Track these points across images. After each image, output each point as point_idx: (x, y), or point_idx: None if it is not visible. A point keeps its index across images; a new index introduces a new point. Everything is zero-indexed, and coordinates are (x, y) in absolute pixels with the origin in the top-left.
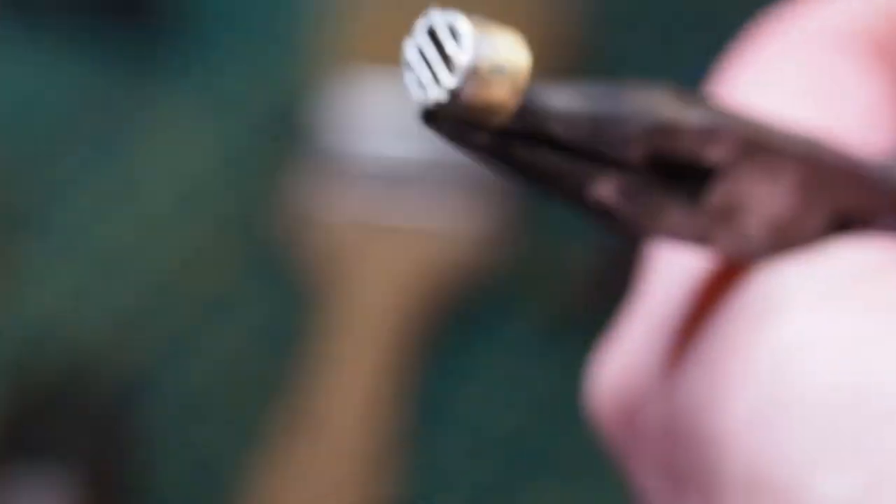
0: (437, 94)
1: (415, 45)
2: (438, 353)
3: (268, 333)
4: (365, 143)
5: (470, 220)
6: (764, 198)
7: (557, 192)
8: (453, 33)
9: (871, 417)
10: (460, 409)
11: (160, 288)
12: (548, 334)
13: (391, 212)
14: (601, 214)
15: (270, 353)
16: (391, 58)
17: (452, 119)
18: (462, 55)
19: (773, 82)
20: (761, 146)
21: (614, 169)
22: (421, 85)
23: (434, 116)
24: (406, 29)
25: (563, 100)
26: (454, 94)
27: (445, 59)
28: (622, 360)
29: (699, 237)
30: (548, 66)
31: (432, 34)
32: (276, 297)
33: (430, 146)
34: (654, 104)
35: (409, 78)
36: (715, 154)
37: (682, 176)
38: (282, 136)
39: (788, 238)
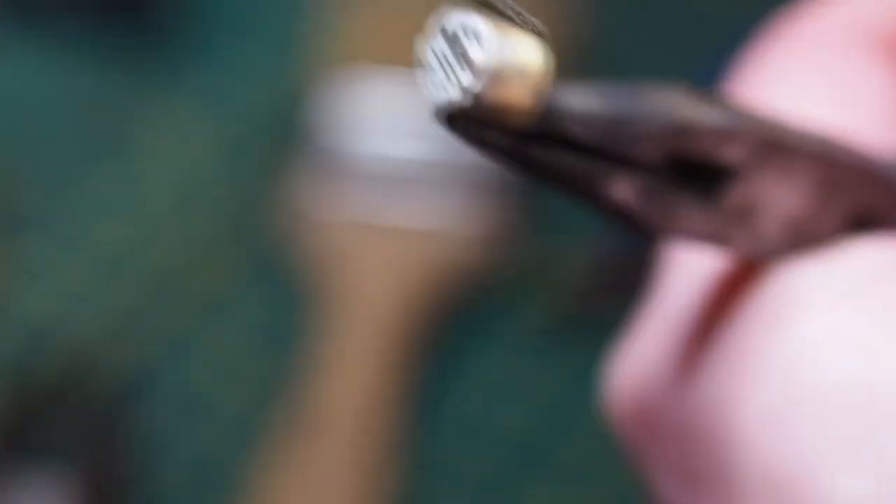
0: (456, 96)
1: (433, 46)
2: (438, 352)
3: (268, 333)
4: (365, 143)
5: (470, 220)
6: (780, 198)
7: (575, 193)
8: (473, 34)
9: (888, 416)
10: (460, 408)
11: (160, 288)
12: (548, 334)
13: (391, 212)
14: (618, 215)
15: (270, 353)
16: (391, 58)
17: (471, 121)
18: (483, 57)
19: (789, 81)
20: (778, 146)
21: (631, 169)
22: (439, 86)
23: (453, 118)
24: (407, 29)
25: (581, 100)
26: (474, 96)
27: (465, 60)
28: (639, 359)
29: (716, 237)
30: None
31: (451, 35)
32: (276, 296)
33: (430, 146)
34: (672, 104)
35: (427, 79)
36: (732, 154)
37: (698, 176)
38: (282, 136)
39: (805, 238)
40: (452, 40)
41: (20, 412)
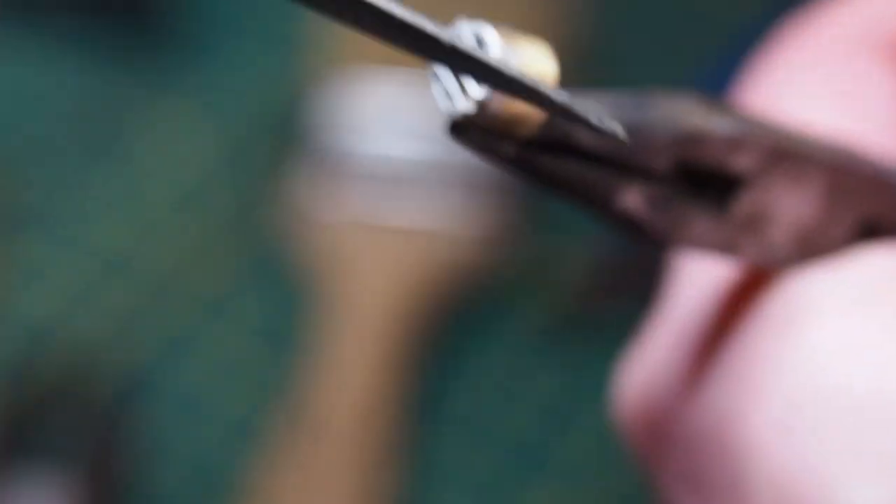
0: (464, 106)
1: None
2: (438, 352)
3: (267, 333)
4: (365, 143)
5: (470, 220)
6: (790, 206)
7: (583, 203)
8: (480, 43)
9: None
10: (460, 408)
11: (160, 288)
12: (548, 334)
13: (391, 212)
14: (627, 224)
15: (270, 353)
16: (391, 58)
17: (479, 130)
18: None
19: (796, 87)
20: (788, 154)
21: (641, 178)
22: (448, 96)
23: (461, 128)
24: None
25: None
26: (482, 106)
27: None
28: (648, 368)
29: (726, 246)
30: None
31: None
32: (276, 296)
33: (430, 146)
34: (681, 113)
35: (435, 89)
36: (741, 162)
37: (708, 185)
38: (282, 136)
39: (815, 246)
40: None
41: (20, 412)
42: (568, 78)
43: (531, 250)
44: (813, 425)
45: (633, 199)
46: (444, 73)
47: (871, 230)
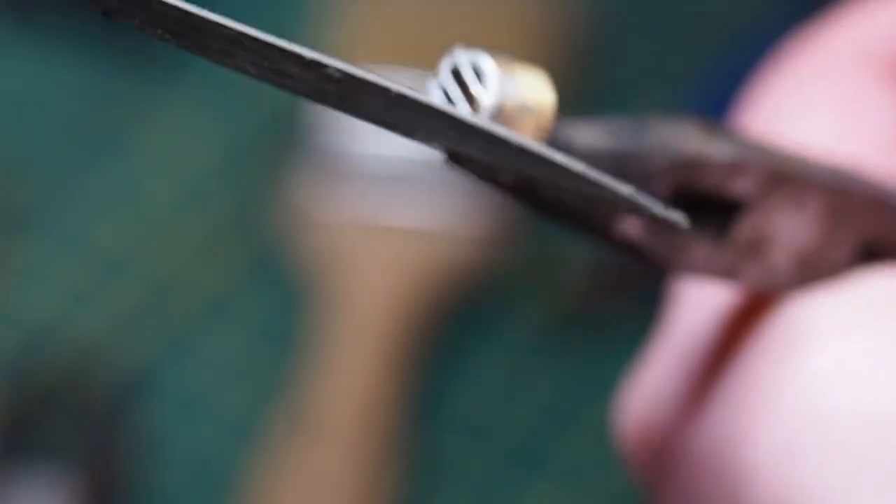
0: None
1: (438, 84)
2: (438, 352)
3: (268, 333)
4: (365, 143)
5: (470, 220)
6: (790, 229)
7: (583, 229)
8: (477, 73)
9: None
10: (460, 408)
11: (160, 288)
12: (548, 334)
13: (391, 212)
14: (627, 250)
15: (270, 353)
16: (391, 58)
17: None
18: (487, 95)
19: (798, 107)
20: (787, 177)
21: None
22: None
23: (459, 156)
24: (407, 29)
25: (588, 136)
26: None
27: (470, 99)
28: (649, 392)
29: (726, 271)
30: (544, 68)
31: (456, 73)
32: (276, 296)
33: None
34: (678, 138)
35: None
36: (740, 187)
37: (707, 210)
38: (282, 135)
39: (815, 269)
40: (458, 78)
41: (20, 412)
42: (567, 82)
43: (531, 250)
44: (814, 448)
45: (632, 225)
46: (441, 102)
47: (872, 252)
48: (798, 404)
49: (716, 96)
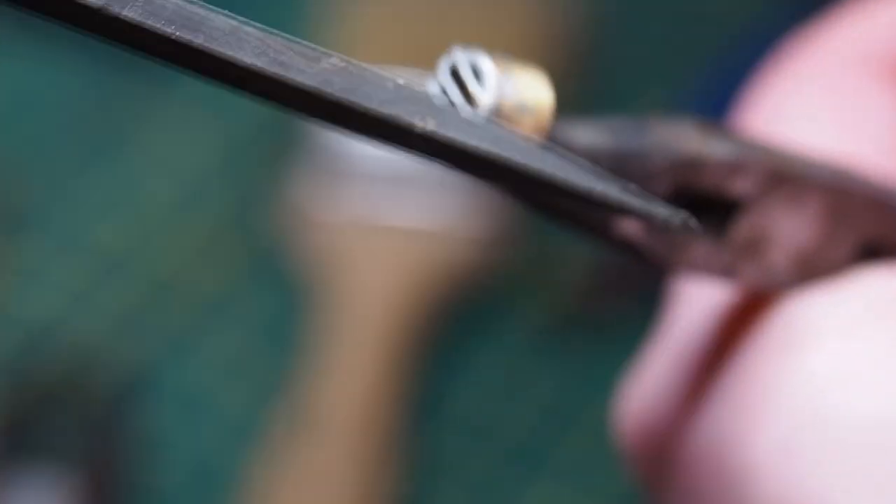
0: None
1: (437, 83)
2: (438, 352)
3: (268, 333)
4: (365, 143)
5: (470, 220)
6: (790, 229)
7: (582, 229)
8: (476, 72)
9: None
10: (460, 408)
11: (160, 288)
12: (548, 334)
13: (391, 212)
14: (626, 250)
15: (270, 353)
16: (391, 58)
17: None
18: (485, 95)
19: (798, 107)
20: (786, 177)
21: None
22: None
23: None
24: (407, 29)
25: (587, 135)
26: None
27: (468, 98)
28: (648, 391)
29: (725, 270)
30: (544, 68)
31: (454, 73)
32: (276, 296)
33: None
34: (678, 138)
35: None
36: (740, 187)
37: (706, 209)
38: (282, 135)
39: (815, 268)
40: (457, 78)
41: (20, 412)
42: (567, 82)
43: (531, 250)
44: (813, 448)
45: (631, 224)
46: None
47: (871, 252)
48: (797, 404)
49: (716, 96)
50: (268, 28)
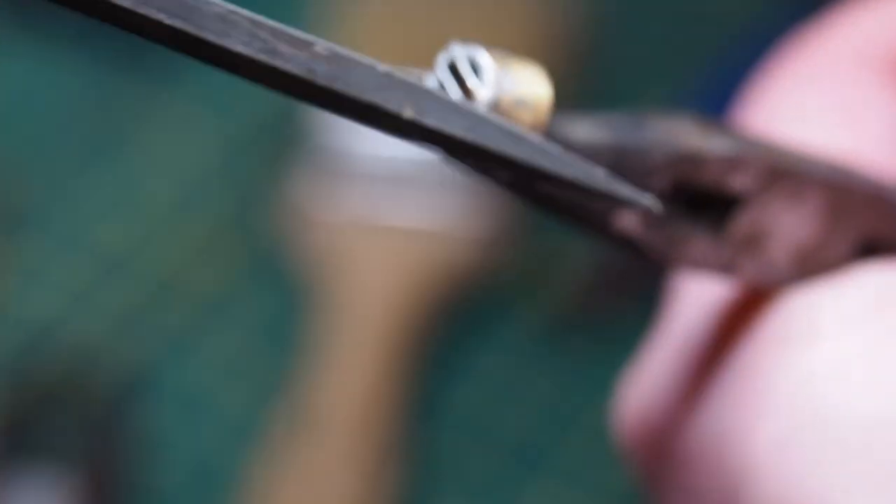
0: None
1: (436, 78)
2: (438, 352)
3: (268, 333)
4: (365, 142)
5: (470, 220)
6: (789, 225)
7: (581, 224)
8: (474, 67)
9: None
10: (460, 409)
11: (160, 288)
12: (548, 335)
13: (391, 212)
14: (625, 245)
15: (270, 353)
16: (391, 58)
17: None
18: (483, 89)
19: (797, 105)
20: (786, 173)
21: None
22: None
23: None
24: (407, 28)
25: (586, 131)
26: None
27: (466, 92)
28: (647, 387)
29: (724, 266)
30: (544, 68)
31: (453, 68)
32: (276, 296)
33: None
34: (677, 134)
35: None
36: (739, 182)
37: (706, 205)
38: (282, 135)
39: (814, 264)
40: (455, 72)
41: (20, 412)
42: (567, 82)
43: (531, 250)
44: (811, 445)
45: (629, 220)
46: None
47: (870, 248)
48: (794, 401)
49: (716, 96)
50: (257, 16)
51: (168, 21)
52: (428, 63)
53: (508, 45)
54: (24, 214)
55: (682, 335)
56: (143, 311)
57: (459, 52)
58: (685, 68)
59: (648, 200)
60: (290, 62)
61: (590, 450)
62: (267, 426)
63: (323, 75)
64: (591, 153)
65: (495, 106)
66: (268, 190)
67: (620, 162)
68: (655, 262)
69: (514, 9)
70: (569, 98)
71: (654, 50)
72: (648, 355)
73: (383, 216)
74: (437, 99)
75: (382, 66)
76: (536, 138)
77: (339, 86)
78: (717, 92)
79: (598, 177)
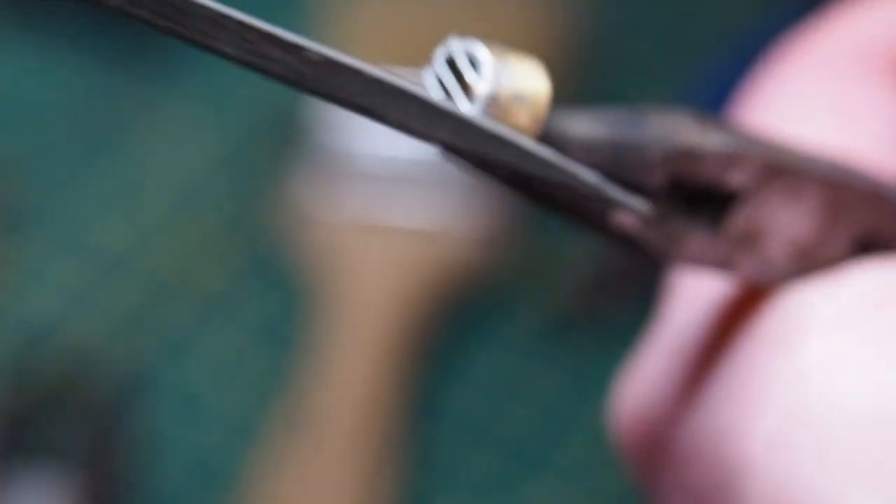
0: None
1: (433, 73)
2: (438, 352)
3: (267, 333)
4: (364, 142)
5: (470, 220)
6: (786, 222)
7: (578, 220)
8: (472, 61)
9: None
10: (460, 408)
11: (160, 288)
12: (548, 334)
13: (391, 212)
14: (622, 241)
15: (270, 353)
16: (391, 58)
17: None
18: (481, 84)
19: (794, 103)
20: (783, 170)
21: (635, 195)
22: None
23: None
24: (407, 28)
25: (584, 126)
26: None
27: (464, 87)
28: (644, 384)
29: (721, 262)
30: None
31: (451, 62)
32: (276, 296)
33: (429, 146)
34: (675, 130)
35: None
36: (736, 179)
37: (703, 201)
38: (282, 135)
39: (811, 262)
40: (453, 67)
41: (20, 412)
42: (567, 81)
43: (531, 250)
44: (808, 442)
45: (627, 216)
46: (436, 92)
47: (867, 246)
48: (791, 398)
49: (716, 96)
50: (248, 18)
51: (159, 23)
52: (426, 62)
53: (508, 44)
54: (24, 214)
55: (679, 332)
56: (142, 311)
57: (457, 47)
58: (685, 68)
59: (639, 204)
60: (279, 65)
61: (590, 450)
62: (267, 426)
63: (311, 80)
64: (588, 148)
65: (493, 100)
66: (268, 190)
67: (618, 157)
68: (653, 259)
69: (514, 9)
70: (569, 97)
71: (653, 50)
72: (645, 352)
73: (383, 216)
74: (423, 104)
75: (373, 70)
76: (524, 140)
77: (326, 91)
78: (717, 91)
79: (588, 179)
